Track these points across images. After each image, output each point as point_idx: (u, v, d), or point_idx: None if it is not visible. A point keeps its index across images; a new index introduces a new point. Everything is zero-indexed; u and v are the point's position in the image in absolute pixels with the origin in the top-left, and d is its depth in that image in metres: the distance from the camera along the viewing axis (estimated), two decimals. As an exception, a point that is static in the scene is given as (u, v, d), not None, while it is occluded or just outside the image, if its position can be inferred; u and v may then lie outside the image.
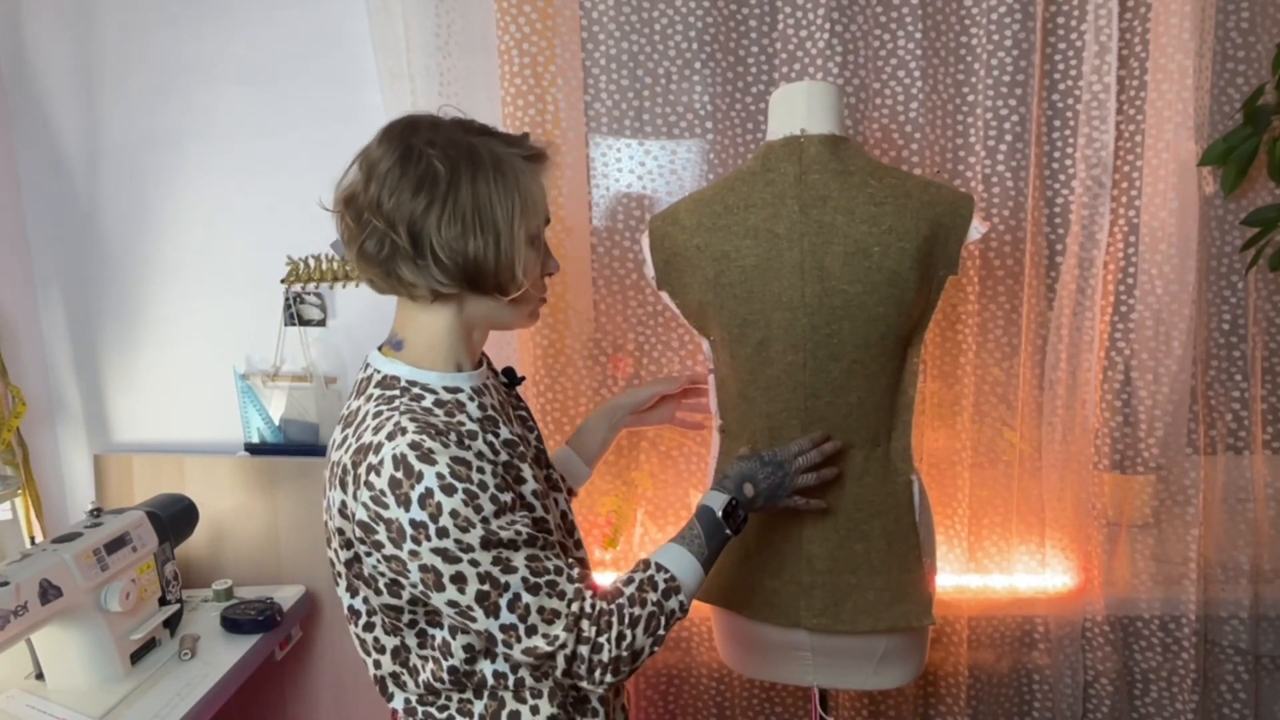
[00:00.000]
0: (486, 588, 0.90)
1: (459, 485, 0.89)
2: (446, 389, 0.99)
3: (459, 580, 0.90)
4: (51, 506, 1.89)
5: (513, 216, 0.95)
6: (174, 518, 1.64)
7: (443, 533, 0.88)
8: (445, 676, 1.00)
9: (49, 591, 1.33)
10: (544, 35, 1.62)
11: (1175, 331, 1.56)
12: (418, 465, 0.88)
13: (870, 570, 1.27)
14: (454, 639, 0.99)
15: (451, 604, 0.91)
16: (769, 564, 1.30)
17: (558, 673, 0.96)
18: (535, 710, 1.02)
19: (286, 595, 1.74)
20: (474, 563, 0.89)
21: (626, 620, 0.97)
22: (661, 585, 1.03)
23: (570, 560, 1.00)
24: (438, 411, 0.96)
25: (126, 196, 1.83)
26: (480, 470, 0.91)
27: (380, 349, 1.04)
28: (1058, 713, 1.70)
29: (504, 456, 0.98)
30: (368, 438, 0.92)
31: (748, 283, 1.23)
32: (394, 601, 0.97)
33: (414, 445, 0.89)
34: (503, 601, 0.91)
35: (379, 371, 1.00)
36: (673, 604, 1.03)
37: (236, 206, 1.80)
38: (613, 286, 1.72)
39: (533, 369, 1.71)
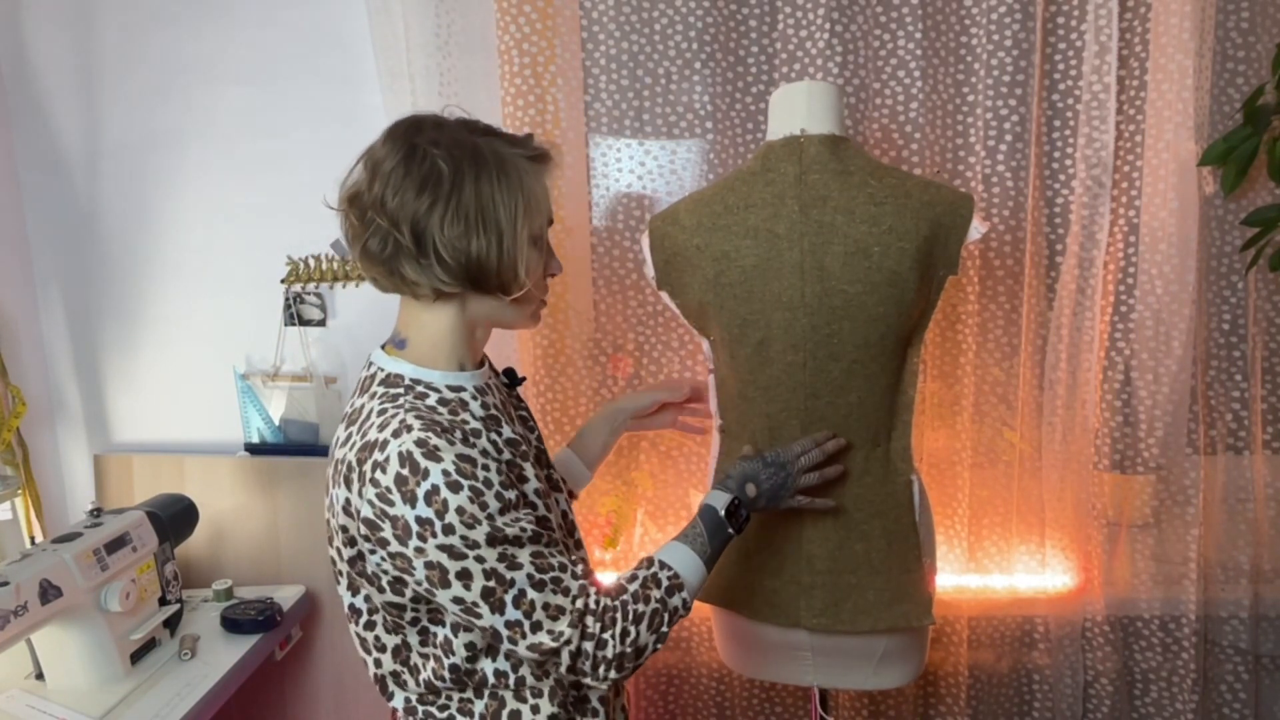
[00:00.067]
0: (492, 584, 0.91)
1: (465, 482, 0.89)
2: (450, 387, 1.00)
3: (464, 577, 0.90)
4: (51, 506, 1.89)
5: (515, 216, 0.95)
6: (174, 518, 1.64)
7: (449, 529, 0.88)
8: (446, 675, 1.00)
9: (49, 591, 1.33)
10: (544, 35, 1.62)
11: (1175, 331, 1.56)
12: (424, 462, 0.88)
13: (870, 570, 1.27)
14: (456, 636, 0.99)
15: (456, 601, 0.91)
16: (769, 564, 1.30)
17: (562, 669, 0.96)
18: (536, 710, 1.02)
19: (286, 595, 1.74)
20: (480, 559, 0.90)
21: (630, 617, 0.98)
22: (665, 582, 1.03)
23: (574, 557, 1.00)
24: (441, 410, 0.96)
25: (126, 196, 1.83)
26: (485, 467, 0.92)
27: (384, 347, 1.04)
28: (1058, 713, 1.70)
29: (507, 455, 0.99)
30: (373, 435, 0.92)
31: (748, 283, 1.23)
32: (397, 599, 0.97)
33: (420, 442, 0.89)
34: (508, 598, 0.91)
35: (383, 370, 1.01)
36: (676, 601, 1.03)
37: (236, 206, 1.80)
38: (613, 286, 1.72)
39: (533, 369, 1.71)
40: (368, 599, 1.01)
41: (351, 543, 0.96)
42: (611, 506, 1.76)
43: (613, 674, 0.97)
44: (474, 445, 0.93)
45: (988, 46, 1.53)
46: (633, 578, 1.03)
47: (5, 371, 1.74)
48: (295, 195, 1.75)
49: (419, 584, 0.92)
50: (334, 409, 1.84)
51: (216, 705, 1.44)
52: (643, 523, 1.77)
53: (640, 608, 0.99)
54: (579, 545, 1.14)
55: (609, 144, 1.69)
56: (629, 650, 0.97)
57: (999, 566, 1.70)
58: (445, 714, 1.03)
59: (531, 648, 0.94)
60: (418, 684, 1.02)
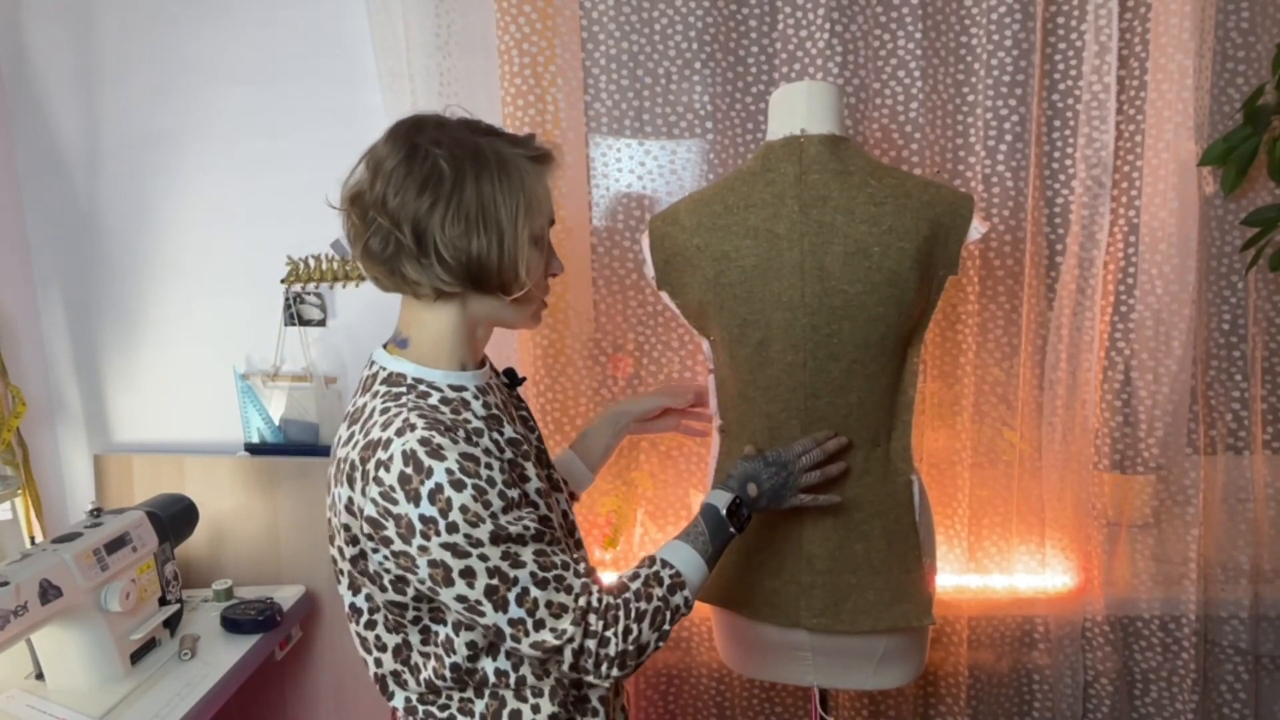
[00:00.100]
0: (495, 582, 0.91)
1: (468, 481, 0.89)
2: (452, 387, 1.00)
3: (468, 575, 0.90)
4: (51, 506, 1.89)
5: (516, 216, 0.95)
6: (174, 518, 1.64)
7: (452, 528, 0.88)
8: (447, 674, 1.00)
9: (49, 591, 1.33)
10: (544, 35, 1.62)
11: (1175, 331, 1.56)
12: (427, 461, 0.88)
13: (870, 570, 1.27)
14: (457, 635, 0.99)
15: (460, 599, 0.91)
16: (769, 564, 1.30)
17: (564, 666, 0.96)
18: (536, 709, 1.02)
19: (286, 595, 1.74)
20: (483, 557, 0.90)
21: (633, 615, 0.98)
22: (667, 581, 1.03)
23: (576, 556, 1.01)
24: (444, 409, 0.96)
25: (126, 196, 1.83)
26: (488, 466, 0.92)
27: (385, 346, 1.04)
28: (1058, 713, 1.70)
29: (509, 454, 0.99)
30: (376, 434, 0.92)
31: (748, 283, 1.23)
32: (399, 598, 0.97)
33: (423, 441, 0.89)
34: (511, 596, 0.92)
35: (385, 369, 1.01)
36: (678, 599, 1.03)
37: (236, 206, 1.80)
38: (613, 286, 1.72)
39: (533, 369, 1.71)
40: (369, 598, 1.01)
41: (354, 541, 0.96)
42: (611, 506, 1.76)
43: (615, 671, 0.98)
44: (477, 444, 0.93)
45: (988, 46, 1.53)
46: (635, 576, 1.03)
47: (5, 371, 1.74)
48: (295, 195, 1.76)
49: (422, 582, 0.92)
50: (334, 409, 1.84)
51: (216, 705, 1.44)
52: (643, 523, 1.77)
53: (642, 605, 0.99)
54: (579, 545, 1.14)
55: (609, 144, 1.69)
56: (631, 648, 0.98)
57: (999, 566, 1.70)
58: (446, 714, 1.03)
59: (535, 645, 0.94)
60: (418, 683, 1.02)
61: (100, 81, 1.79)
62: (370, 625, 1.02)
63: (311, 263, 1.79)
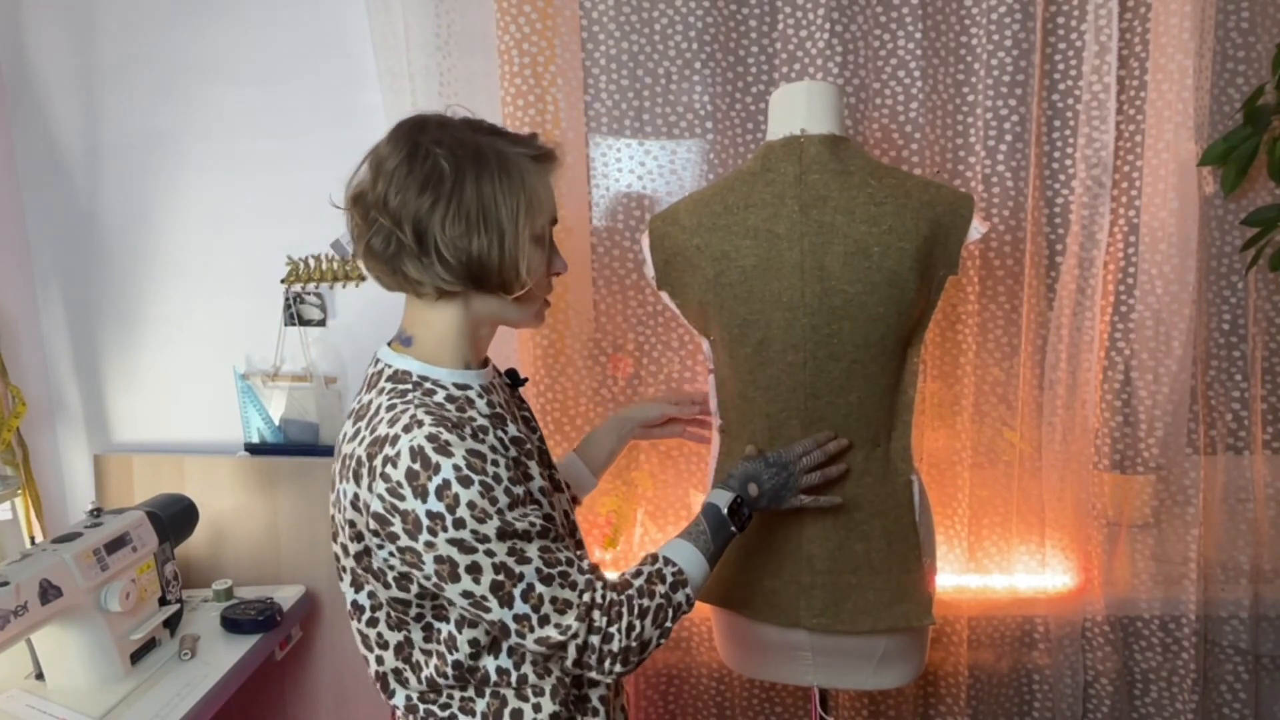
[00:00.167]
0: (501, 578, 0.91)
1: (475, 477, 0.90)
2: (456, 385, 1.00)
3: (474, 571, 0.90)
4: (51, 506, 1.89)
5: (517, 215, 0.96)
6: (174, 518, 1.64)
7: (459, 524, 0.89)
8: (449, 672, 1.00)
9: (49, 591, 1.33)
10: (544, 35, 1.62)
11: (1175, 331, 1.56)
12: (435, 457, 0.89)
13: (870, 570, 1.27)
14: (460, 633, 0.99)
15: (466, 595, 0.92)
16: (769, 564, 1.30)
17: (568, 662, 0.96)
18: (538, 708, 1.02)
19: (286, 595, 1.74)
20: (489, 553, 0.90)
21: (636, 611, 0.98)
22: (669, 578, 1.04)
23: (580, 553, 1.01)
24: (449, 406, 0.97)
25: (126, 196, 1.83)
26: (495, 463, 0.92)
27: (390, 344, 1.04)
28: (1058, 713, 1.70)
29: (513, 452, 0.99)
30: (383, 430, 0.92)
31: (748, 283, 1.23)
32: (402, 595, 0.97)
33: (431, 437, 0.90)
34: (517, 591, 0.92)
35: (390, 366, 1.01)
36: (680, 597, 1.04)
37: (236, 206, 1.80)
38: (613, 286, 1.72)
39: (533, 369, 1.71)
40: (371, 595, 1.01)
41: (359, 538, 0.96)
42: (611, 506, 1.76)
43: (618, 668, 0.98)
44: (483, 441, 0.94)
45: (988, 46, 1.53)
46: (638, 573, 1.03)
47: (5, 371, 1.74)
48: (295, 195, 1.76)
49: (427, 578, 0.92)
50: (334, 409, 1.84)
51: (216, 705, 1.44)
52: (643, 523, 1.77)
53: (645, 603, 1.00)
54: (580, 545, 1.14)
55: (609, 144, 1.69)
56: (634, 644, 0.98)
57: (999, 566, 1.70)
58: (447, 713, 1.03)
59: (539, 641, 0.94)
60: (419, 681, 1.02)
61: (100, 81, 1.79)
62: (372, 623, 1.02)
63: (311, 263, 1.79)
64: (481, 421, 0.98)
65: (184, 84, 1.77)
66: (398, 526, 0.90)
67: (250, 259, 1.80)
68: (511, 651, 1.02)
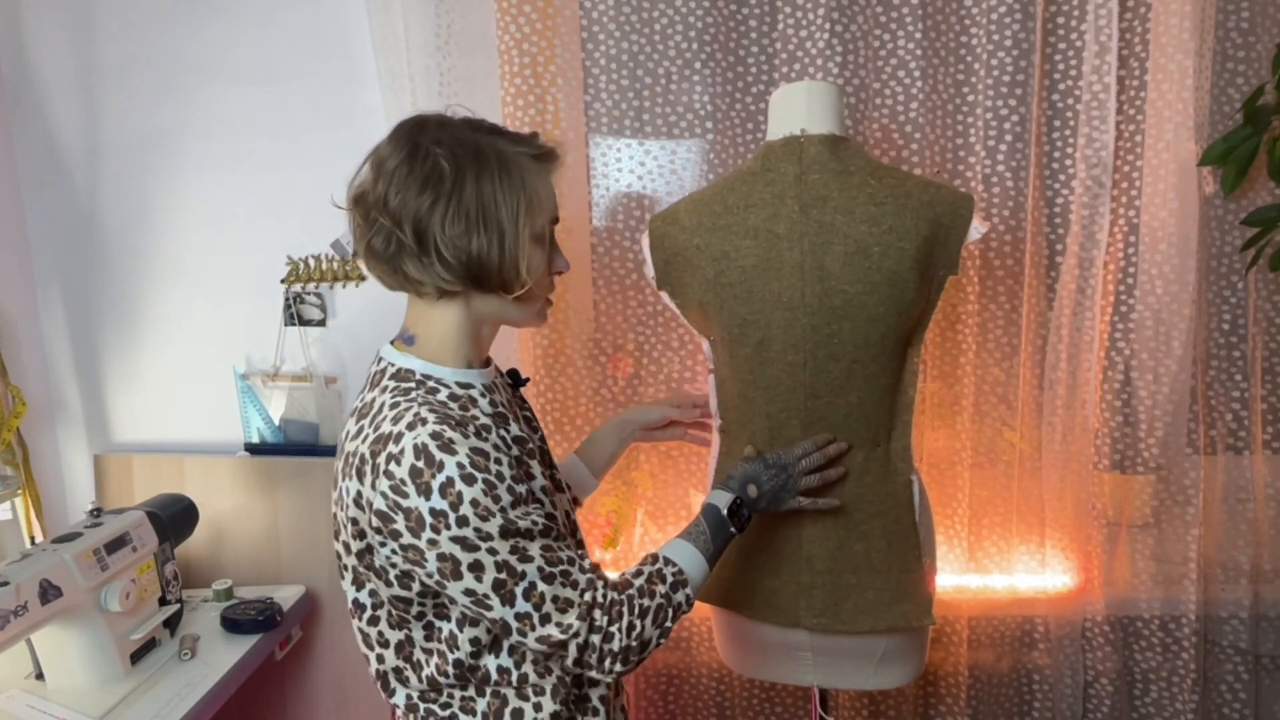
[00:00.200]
0: (503, 576, 0.91)
1: (479, 475, 0.90)
2: (459, 384, 1.01)
3: (476, 569, 0.90)
4: (51, 506, 1.89)
5: (517, 215, 0.96)
6: (174, 518, 1.64)
7: (462, 521, 0.89)
8: (450, 670, 1.00)
9: (49, 591, 1.33)
10: (544, 35, 1.62)
11: (1175, 331, 1.56)
12: (439, 455, 0.89)
13: (870, 570, 1.27)
14: (461, 631, 0.99)
15: (468, 593, 0.92)
16: (768, 564, 1.30)
17: (568, 661, 0.96)
18: (539, 707, 1.02)
19: (286, 595, 1.74)
20: (492, 551, 0.90)
21: (637, 610, 0.99)
22: (670, 578, 1.04)
23: (581, 552, 1.01)
24: (452, 405, 0.97)
25: (126, 196, 1.83)
26: (498, 461, 0.93)
27: (393, 343, 1.05)
28: (1058, 713, 1.70)
29: (515, 451, 0.99)
30: (386, 428, 0.93)
31: (748, 283, 1.23)
32: (404, 593, 0.97)
33: (435, 435, 0.90)
34: (518, 590, 0.92)
35: (393, 364, 1.01)
36: (680, 597, 1.04)
37: (236, 206, 1.80)
38: (613, 286, 1.72)
39: (533, 369, 1.71)
40: (373, 594, 1.01)
41: (361, 535, 0.96)
42: (611, 506, 1.76)
43: (618, 667, 0.98)
44: (486, 439, 0.94)
45: (988, 46, 1.53)
46: (638, 573, 1.03)
47: (5, 371, 1.74)
48: (295, 195, 1.76)
49: (429, 576, 0.93)
50: (334, 409, 1.84)
51: (216, 705, 1.44)
52: (643, 523, 1.77)
53: (646, 602, 1.00)
54: (580, 545, 1.15)
55: (609, 144, 1.69)
56: (634, 644, 0.98)
57: (999, 566, 1.70)
58: (448, 712, 1.03)
59: (540, 640, 0.94)
60: (420, 680, 1.02)
61: (100, 82, 1.79)
62: (373, 621, 1.03)
63: (311, 263, 1.79)
64: (484, 420, 0.98)
65: (184, 84, 1.77)
66: (400, 524, 0.90)
67: (250, 259, 1.80)
68: (512, 650, 1.02)
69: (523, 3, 1.60)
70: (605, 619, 0.96)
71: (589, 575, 0.98)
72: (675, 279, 1.32)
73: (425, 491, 0.89)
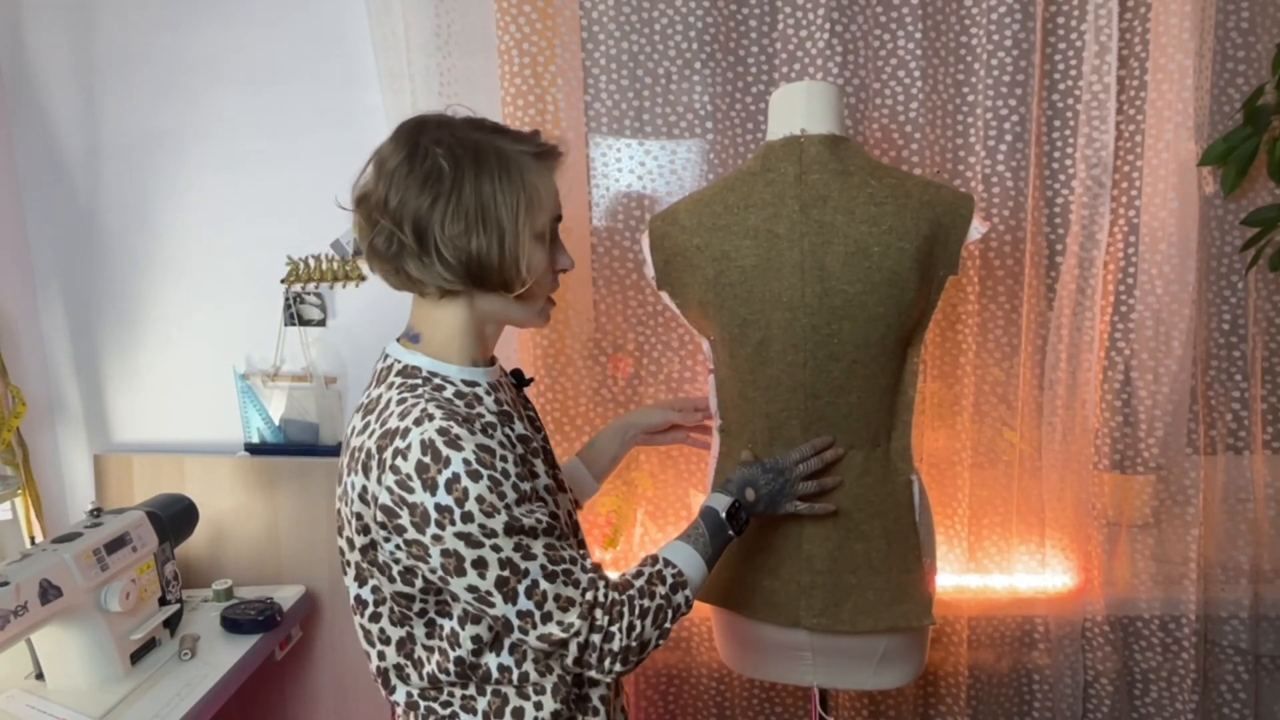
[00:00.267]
0: (506, 573, 0.91)
1: (484, 472, 0.90)
2: (465, 382, 1.01)
3: (480, 565, 0.91)
4: (51, 506, 1.89)
5: (518, 214, 0.96)
6: (174, 518, 1.64)
7: (467, 517, 0.89)
8: (451, 668, 1.00)
9: (49, 591, 1.33)
10: (544, 35, 1.62)
11: (1175, 331, 1.56)
12: (445, 450, 0.89)
13: (870, 570, 1.27)
14: (463, 629, 0.99)
15: (471, 589, 0.92)
16: (768, 564, 1.30)
17: (568, 660, 0.96)
18: (539, 706, 1.03)
19: (286, 595, 1.74)
20: (496, 548, 0.91)
21: (637, 611, 0.99)
22: (669, 579, 1.04)
23: (583, 552, 1.01)
24: (458, 402, 0.97)
25: (126, 196, 1.83)
26: (503, 459, 0.93)
27: (399, 340, 1.05)
28: (1058, 713, 1.70)
29: (520, 449, 1.00)
30: (393, 423, 0.93)
31: (748, 283, 1.23)
32: (406, 589, 0.97)
33: (441, 431, 0.90)
34: (521, 588, 0.92)
35: (399, 361, 1.02)
36: (679, 598, 1.04)
37: (236, 207, 1.80)
38: (613, 286, 1.72)
39: (533, 369, 1.71)
40: (375, 590, 1.01)
41: (365, 531, 0.96)
42: (611, 506, 1.76)
43: (618, 667, 0.98)
44: (492, 436, 0.94)
45: (988, 46, 1.53)
46: (639, 574, 1.04)
47: (5, 371, 1.74)
48: (295, 195, 1.76)
49: (433, 572, 0.93)
50: (334, 409, 1.84)
51: (216, 705, 1.44)
52: (643, 523, 1.77)
53: (646, 603, 1.00)
54: (581, 545, 1.15)
55: (609, 144, 1.69)
56: (634, 644, 0.98)
57: (999, 566, 1.70)
58: (448, 710, 1.03)
59: (541, 638, 0.94)
60: (421, 678, 1.02)
61: (100, 81, 1.79)
62: (375, 618, 1.03)
63: (311, 263, 1.79)
64: (489, 418, 0.98)
65: (184, 84, 1.77)
66: (405, 519, 0.91)
67: (250, 259, 1.80)
68: (513, 649, 1.02)
69: (523, 3, 1.61)
70: (606, 618, 0.97)
71: (591, 575, 0.98)
72: (675, 279, 1.32)
73: (431, 487, 0.89)
